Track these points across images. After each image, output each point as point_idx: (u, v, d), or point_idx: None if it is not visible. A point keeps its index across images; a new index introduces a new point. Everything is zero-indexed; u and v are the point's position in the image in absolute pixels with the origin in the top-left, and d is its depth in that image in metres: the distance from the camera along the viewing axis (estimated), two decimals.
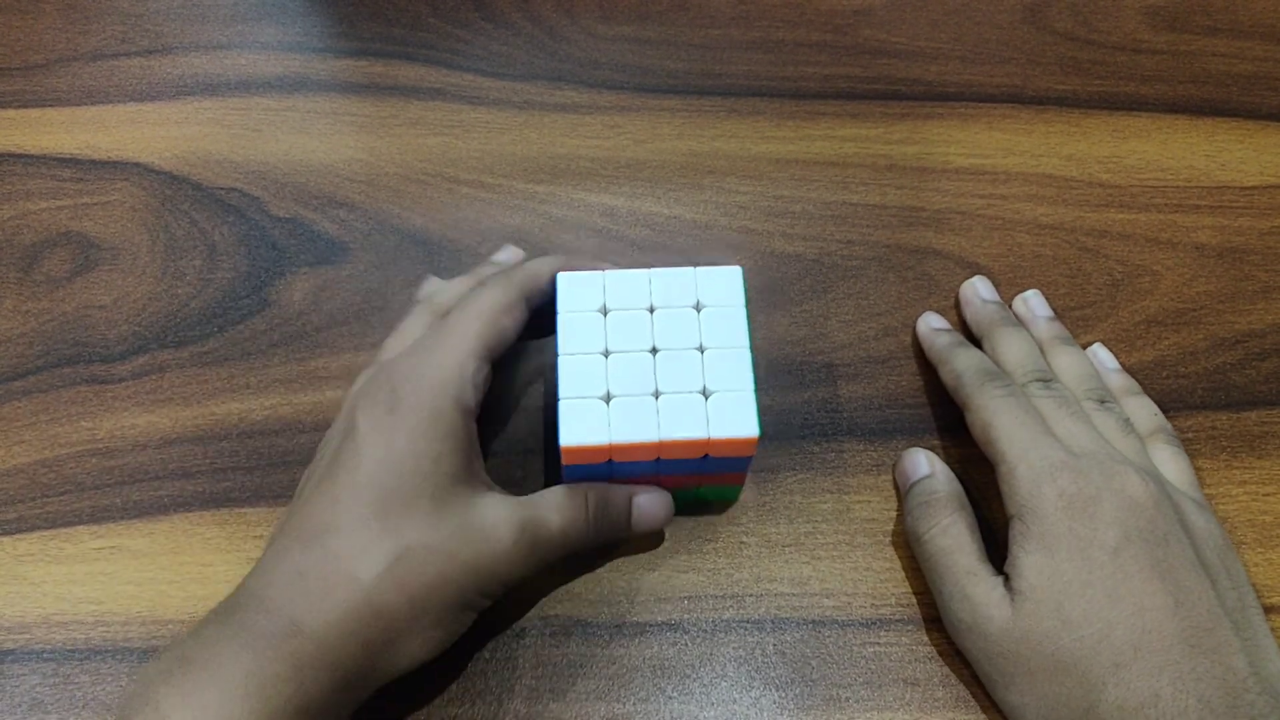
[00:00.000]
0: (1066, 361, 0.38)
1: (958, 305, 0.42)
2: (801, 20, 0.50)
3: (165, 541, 0.38)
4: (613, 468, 0.33)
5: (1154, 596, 0.30)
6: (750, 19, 0.50)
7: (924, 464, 0.37)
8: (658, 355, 0.32)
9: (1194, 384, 0.40)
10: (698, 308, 0.33)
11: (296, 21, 0.51)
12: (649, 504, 0.34)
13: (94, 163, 0.46)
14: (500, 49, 0.49)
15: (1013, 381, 0.36)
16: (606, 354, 0.32)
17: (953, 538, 0.34)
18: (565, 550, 0.33)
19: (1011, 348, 0.38)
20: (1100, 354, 0.40)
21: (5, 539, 0.38)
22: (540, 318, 0.35)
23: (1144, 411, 0.37)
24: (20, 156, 0.47)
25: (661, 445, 0.31)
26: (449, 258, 0.44)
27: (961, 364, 0.37)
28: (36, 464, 0.39)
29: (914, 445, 0.39)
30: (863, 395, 0.40)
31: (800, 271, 0.43)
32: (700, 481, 0.35)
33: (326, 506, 0.30)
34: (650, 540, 0.37)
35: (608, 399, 0.31)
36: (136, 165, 0.46)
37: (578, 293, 0.34)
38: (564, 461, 0.32)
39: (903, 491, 0.37)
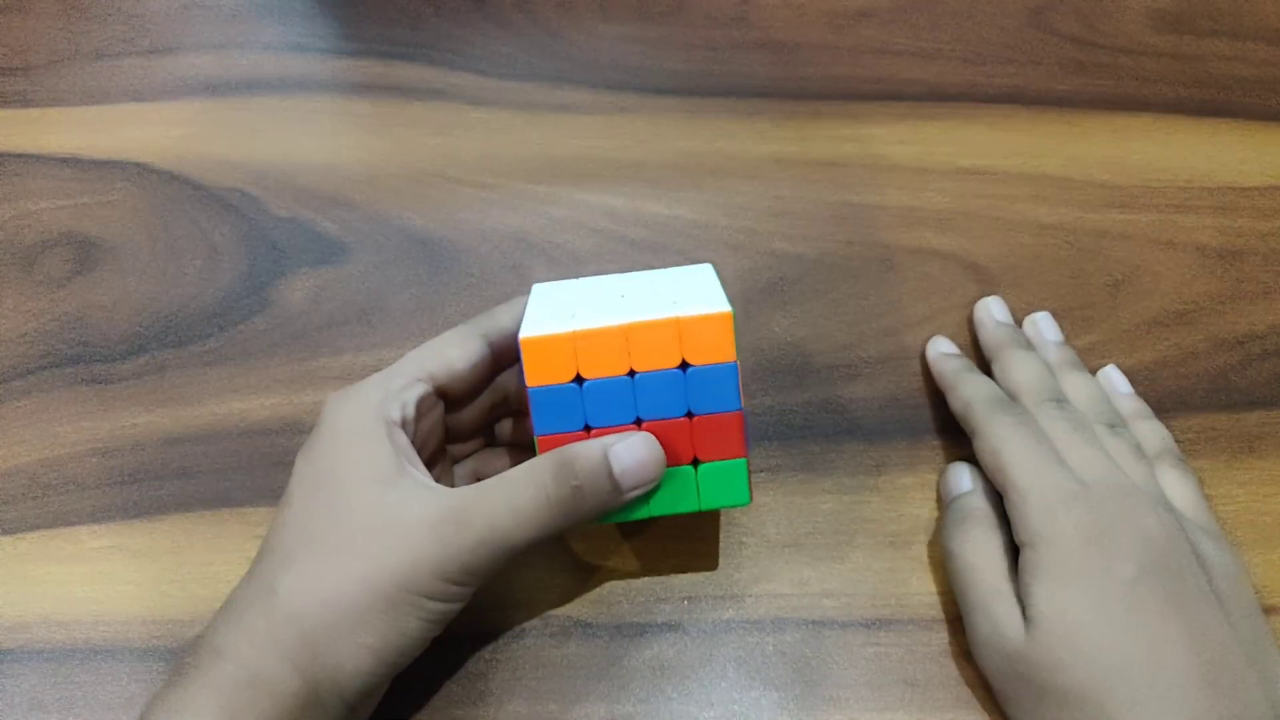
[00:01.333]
0: (1076, 386, 0.37)
1: (956, 307, 0.42)
2: (802, 20, 0.50)
3: (165, 541, 0.38)
4: (585, 406, 0.31)
5: (1170, 632, 0.30)
6: (750, 19, 0.50)
7: (966, 479, 0.36)
8: (625, 298, 0.32)
9: (1194, 385, 0.40)
10: (672, 287, 0.33)
11: (297, 21, 0.51)
12: (629, 450, 0.30)
13: (94, 163, 0.46)
14: (500, 49, 0.49)
15: (1024, 409, 0.35)
16: (573, 316, 0.32)
17: (984, 555, 0.33)
18: (534, 527, 0.29)
19: (1024, 369, 0.37)
20: (1114, 376, 0.40)
21: (5, 538, 0.38)
22: None
23: (1153, 435, 0.37)
24: (20, 156, 0.47)
25: (629, 333, 0.30)
26: (449, 258, 0.44)
27: (971, 391, 0.37)
28: (36, 463, 0.39)
29: (914, 445, 0.39)
30: (863, 395, 0.40)
31: (800, 271, 0.43)
32: (693, 440, 0.32)
33: (265, 539, 0.31)
34: (650, 540, 0.37)
35: (572, 316, 0.31)
36: (137, 165, 0.46)
37: (548, 291, 0.34)
38: (528, 383, 0.30)
39: (945, 503, 0.37)
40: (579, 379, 0.30)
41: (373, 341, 0.42)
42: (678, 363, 0.30)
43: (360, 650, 0.29)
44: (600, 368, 0.30)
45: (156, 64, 0.49)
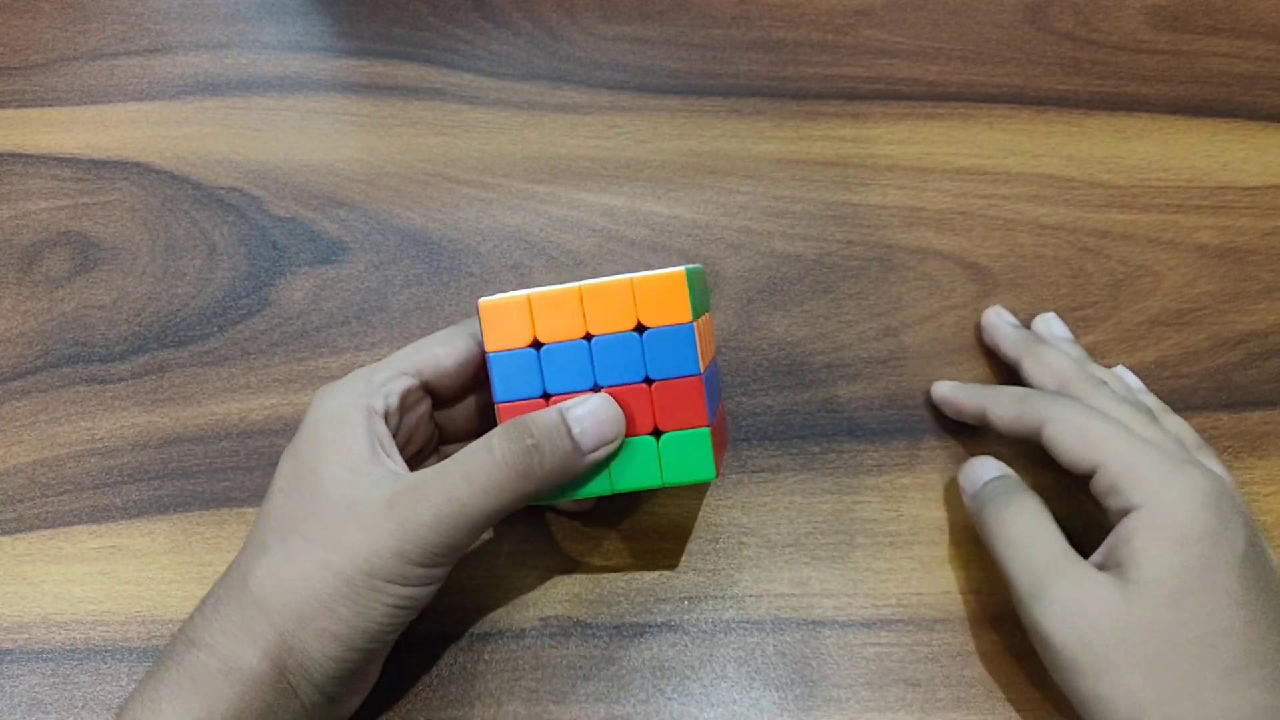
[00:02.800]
0: (1105, 378, 0.37)
1: (956, 307, 0.42)
2: (802, 20, 0.50)
3: (165, 541, 0.38)
4: (543, 371, 0.31)
5: (1263, 609, 0.30)
6: (750, 19, 0.50)
7: (996, 466, 0.36)
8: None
9: (1196, 384, 0.40)
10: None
11: (296, 21, 0.50)
12: (588, 411, 0.30)
13: (94, 162, 0.46)
14: (500, 49, 0.49)
15: (1105, 385, 0.35)
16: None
17: (1041, 521, 0.33)
18: (491, 494, 0.29)
19: (1060, 359, 0.37)
20: (1126, 377, 0.39)
21: (4, 539, 0.38)
22: None
23: (1183, 429, 0.37)
24: (20, 156, 0.47)
25: (584, 294, 0.30)
26: (449, 258, 0.44)
27: (1016, 392, 0.36)
28: (36, 463, 0.39)
29: (913, 445, 0.39)
30: (863, 395, 0.40)
31: (800, 271, 0.43)
32: (654, 407, 0.31)
33: (249, 532, 0.32)
34: (650, 539, 0.37)
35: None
36: (136, 165, 0.46)
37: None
38: (486, 348, 0.31)
39: (970, 491, 0.36)
40: (536, 343, 0.31)
41: (372, 341, 0.42)
42: (633, 324, 0.30)
43: (325, 636, 0.29)
44: (557, 331, 0.31)
45: (156, 63, 0.49)
